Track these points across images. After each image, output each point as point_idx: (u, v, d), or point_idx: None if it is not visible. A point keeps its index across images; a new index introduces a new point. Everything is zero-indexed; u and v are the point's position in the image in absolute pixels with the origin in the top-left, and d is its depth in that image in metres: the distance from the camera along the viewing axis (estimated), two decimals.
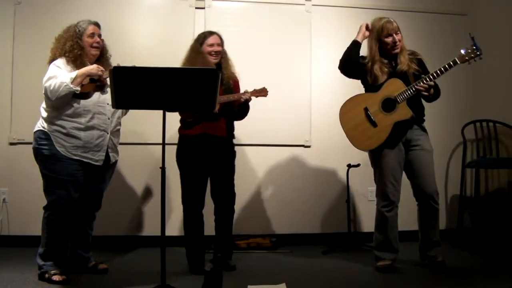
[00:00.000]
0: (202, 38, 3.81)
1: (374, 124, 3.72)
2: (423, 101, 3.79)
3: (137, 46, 4.76)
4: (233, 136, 3.92)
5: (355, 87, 4.87)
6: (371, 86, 3.77)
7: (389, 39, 3.68)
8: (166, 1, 4.88)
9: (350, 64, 3.82)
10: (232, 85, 3.85)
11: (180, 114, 3.80)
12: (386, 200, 3.74)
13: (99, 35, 3.57)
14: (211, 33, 3.84)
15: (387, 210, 3.74)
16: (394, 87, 3.64)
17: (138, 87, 2.85)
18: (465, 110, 5.01)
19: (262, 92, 3.79)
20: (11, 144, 4.59)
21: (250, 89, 3.75)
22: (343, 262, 4.12)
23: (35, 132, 3.46)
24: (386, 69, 3.72)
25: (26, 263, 3.78)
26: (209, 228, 3.86)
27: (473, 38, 3.51)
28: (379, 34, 3.71)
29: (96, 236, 3.79)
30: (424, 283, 3.47)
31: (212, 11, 4.90)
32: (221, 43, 3.84)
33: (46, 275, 3.34)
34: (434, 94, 3.67)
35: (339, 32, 5.08)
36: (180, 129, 3.82)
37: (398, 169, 3.75)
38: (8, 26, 4.64)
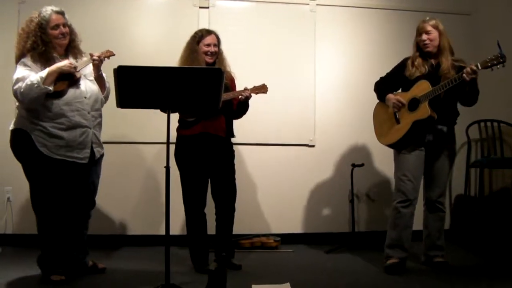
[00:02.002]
0: (199, 36, 3.76)
1: (398, 121, 3.80)
2: (459, 106, 3.82)
3: (140, 45, 4.76)
4: (232, 135, 3.90)
5: (359, 87, 4.89)
6: (407, 82, 3.79)
7: (419, 38, 3.74)
8: (170, 0, 4.88)
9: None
10: (229, 84, 3.81)
11: (180, 114, 3.77)
12: (402, 196, 3.74)
13: (64, 25, 3.34)
14: (208, 32, 3.80)
15: (402, 206, 3.73)
16: (421, 88, 3.67)
17: (142, 86, 2.85)
18: (469, 110, 4.96)
19: (262, 89, 3.77)
20: None
21: (249, 87, 3.75)
22: (347, 262, 4.12)
23: (12, 131, 3.32)
24: (425, 67, 3.73)
25: (29, 263, 3.75)
26: (210, 227, 3.87)
27: (499, 44, 3.41)
28: (416, 33, 3.79)
29: (94, 236, 3.78)
30: (428, 284, 3.45)
31: (216, 10, 4.90)
32: (218, 43, 3.81)
33: (47, 276, 3.32)
34: (470, 94, 3.61)
35: (343, 31, 5.10)
36: (178, 129, 3.79)
37: (417, 167, 3.75)
38: (12, 26, 4.62)
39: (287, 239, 4.79)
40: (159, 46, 4.75)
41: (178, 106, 3.13)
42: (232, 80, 3.89)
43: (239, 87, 3.84)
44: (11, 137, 3.34)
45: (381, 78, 4.01)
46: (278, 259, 4.25)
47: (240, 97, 3.69)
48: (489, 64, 3.39)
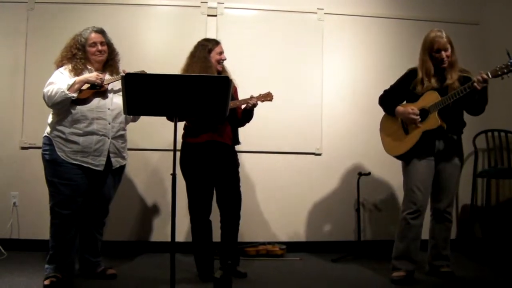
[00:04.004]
0: (212, 45, 3.78)
1: (406, 131, 3.75)
2: (465, 114, 3.76)
3: (149, 53, 4.78)
4: (237, 143, 3.90)
5: (367, 96, 4.87)
6: (413, 95, 3.72)
7: (437, 55, 3.61)
8: (179, 8, 4.90)
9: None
10: (233, 92, 3.81)
11: (188, 122, 3.78)
12: (412, 207, 3.67)
13: (102, 43, 3.58)
14: (216, 41, 3.84)
15: (412, 217, 3.66)
16: (430, 98, 3.61)
17: (150, 93, 2.85)
18: (477, 120, 4.94)
19: (267, 97, 3.76)
20: (23, 148, 4.62)
21: (255, 95, 3.75)
22: (353, 271, 4.10)
23: (43, 138, 3.52)
24: (435, 84, 3.64)
25: (35, 268, 3.79)
26: (215, 235, 3.86)
27: (509, 53, 3.34)
28: (430, 48, 3.63)
29: (103, 241, 3.79)
30: None
31: (224, 18, 4.92)
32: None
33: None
34: (479, 103, 3.58)
35: (351, 40, 5.09)
36: (185, 137, 3.79)
37: (426, 177, 3.70)
38: (21, 32, 4.68)
39: (292, 247, 4.77)
40: (168, 53, 4.76)
41: (185, 114, 3.13)
42: (235, 89, 3.90)
43: (246, 95, 3.84)
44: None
45: (385, 91, 3.92)
46: (284, 267, 4.23)
47: (247, 104, 3.70)
48: (500, 73, 3.36)
